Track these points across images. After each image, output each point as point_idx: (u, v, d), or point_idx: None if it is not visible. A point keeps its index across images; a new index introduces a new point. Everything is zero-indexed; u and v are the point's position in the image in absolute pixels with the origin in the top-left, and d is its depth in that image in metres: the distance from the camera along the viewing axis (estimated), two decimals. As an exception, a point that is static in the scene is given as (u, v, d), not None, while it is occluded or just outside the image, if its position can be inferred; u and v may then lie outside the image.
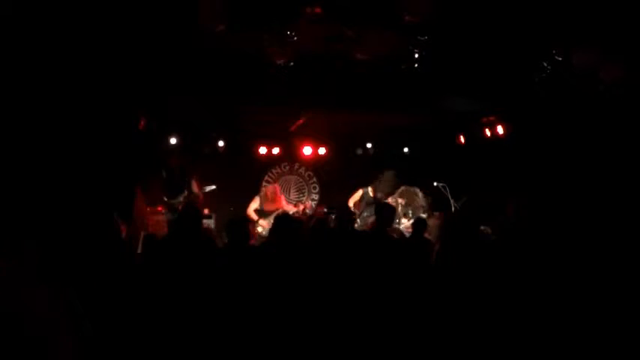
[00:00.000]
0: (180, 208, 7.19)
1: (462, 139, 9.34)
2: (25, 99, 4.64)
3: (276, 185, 8.27)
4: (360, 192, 7.94)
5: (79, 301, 1.94)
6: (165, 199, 7.39)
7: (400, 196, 7.42)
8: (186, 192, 7.39)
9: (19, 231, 1.99)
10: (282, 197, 8.02)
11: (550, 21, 5.21)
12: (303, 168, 10.29)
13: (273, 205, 7.60)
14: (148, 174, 7.71)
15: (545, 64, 5.67)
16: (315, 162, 10.13)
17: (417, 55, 5.84)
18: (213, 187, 7.66)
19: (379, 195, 7.66)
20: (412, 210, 7.42)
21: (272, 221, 7.64)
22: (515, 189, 7.27)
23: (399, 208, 7.29)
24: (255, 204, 7.72)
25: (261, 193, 7.93)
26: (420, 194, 7.54)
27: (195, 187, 7.51)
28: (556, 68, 5.66)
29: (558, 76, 5.73)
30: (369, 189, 7.88)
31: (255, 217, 7.66)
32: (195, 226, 3.85)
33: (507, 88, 6.48)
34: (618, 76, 5.37)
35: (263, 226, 7.51)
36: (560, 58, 5.56)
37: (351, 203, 7.86)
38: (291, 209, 7.79)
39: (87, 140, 5.64)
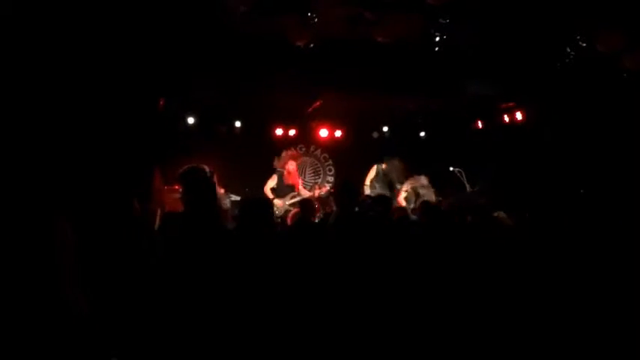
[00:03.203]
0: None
1: (480, 125, 9.26)
2: (45, 78, 4.69)
3: (294, 162, 8.18)
4: (374, 168, 7.92)
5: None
6: None
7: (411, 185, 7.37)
8: None
9: (51, 208, 2.05)
10: (300, 178, 8.00)
11: (575, 6, 5.12)
12: (319, 150, 10.30)
13: (289, 179, 7.62)
14: (167, 153, 7.78)
15: (568, 50, 5.58)
16: (331, 144, 10.13)
17: (437, 39, 5.77)
18: (238, 198, 7.74)
19: (392, 176, 7.63)
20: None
21: (287, 203, 7.79)
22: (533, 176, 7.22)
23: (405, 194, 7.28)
24: (272, 182, 7.73)
25: (279, 167, 7.92)
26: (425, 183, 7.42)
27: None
28: (579, 54, 5.56)
29: (581, 62, 5.64)
30: (383, 165, 7.86)
31: (271, 195, 7.70)
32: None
33: (528, 73, 6.39)
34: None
35: (277, 206, 7.54)
36: (584, 44, 5.46)
37: (367, 181, 7.88)
38: (306, 194, 7.81)
39: (106, 120, 5.69)
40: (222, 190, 7.83)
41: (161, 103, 7.12)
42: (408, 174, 7.58)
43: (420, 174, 7.49)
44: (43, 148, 4.34)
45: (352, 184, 4.00)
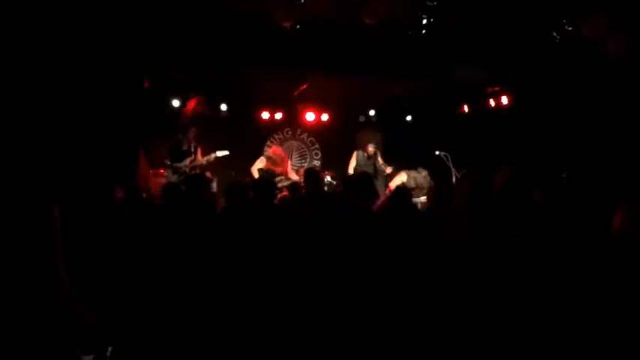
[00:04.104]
0: (187, 171, 7.26)
1: (466, 109, 9.30)
2: (32, 65, 4.61)
3: (280, 148, 8.18)
4: (354, 155, 7.96)
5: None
6: (169, 163, 7.41)
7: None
8: (192, 156, 7.43)
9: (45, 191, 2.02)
10: (289, 162, 7.97)
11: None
12: (306, 134, 10.28)
13: (278, 168, 7.60)
14: (152, 136, 7.71)
15: (554, 34, 5.60)
16: (318, 128, 10.09)
17: (425, 21, 5.76)
18: (226, 152, 7.65)
19: (371, 150, 7.69)
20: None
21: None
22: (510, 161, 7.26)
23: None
24: (260, 164, 7.69)
25: (266, 154, 7.91)
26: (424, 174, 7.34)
27: (200, 155, 7.54)
28: (565, 38, 5.59)
29: (567, 46, 5.67)
30: (360, 151, 7.95)
31: (257, 175, 7.67)
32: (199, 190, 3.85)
33: (514, 57, 6.42)
34: (627, 48, 5.32)
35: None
36: (570, 28, 5.49)
37: (350, 169, 7.88)
38: (294, 177, 7.79)
39: (91, 102, 5.61)
40: (208, 173, 7.79)
41: (146, 85, 7.03)
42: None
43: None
44: (31, 134, 4.28)
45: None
